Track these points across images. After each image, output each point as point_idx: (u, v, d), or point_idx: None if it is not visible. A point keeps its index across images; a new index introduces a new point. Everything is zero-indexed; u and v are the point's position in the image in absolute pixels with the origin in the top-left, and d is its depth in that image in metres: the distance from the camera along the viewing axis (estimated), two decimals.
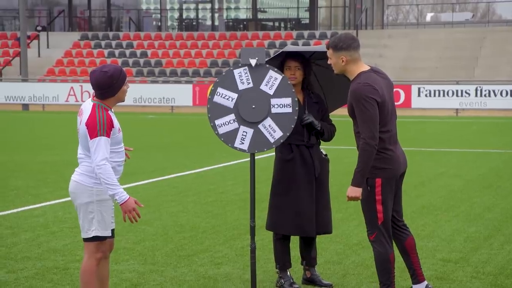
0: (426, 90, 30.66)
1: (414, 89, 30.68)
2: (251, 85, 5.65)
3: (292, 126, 5.64)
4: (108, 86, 5.01)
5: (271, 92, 5.64)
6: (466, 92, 30.37)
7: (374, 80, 5.24)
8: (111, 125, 4.98)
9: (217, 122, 5.66)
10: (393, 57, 37.32)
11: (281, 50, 6.06)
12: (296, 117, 5.65)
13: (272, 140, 5.64)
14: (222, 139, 5.67)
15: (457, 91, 30.50)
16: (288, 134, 5.64)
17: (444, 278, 6.44)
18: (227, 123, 5.65)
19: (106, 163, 4.92)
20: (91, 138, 4.95)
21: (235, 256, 7.20)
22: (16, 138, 20.22)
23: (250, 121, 5.63)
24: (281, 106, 5.63)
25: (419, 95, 30.56)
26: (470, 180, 12.30)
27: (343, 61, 5.31)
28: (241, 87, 5.66)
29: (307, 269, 6.30)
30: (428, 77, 34.35)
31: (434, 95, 30.64)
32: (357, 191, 5.24)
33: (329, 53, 5.38)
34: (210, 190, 11.20)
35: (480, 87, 30.33)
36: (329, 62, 5.41)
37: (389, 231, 5.40)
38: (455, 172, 13.17)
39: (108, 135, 4.96)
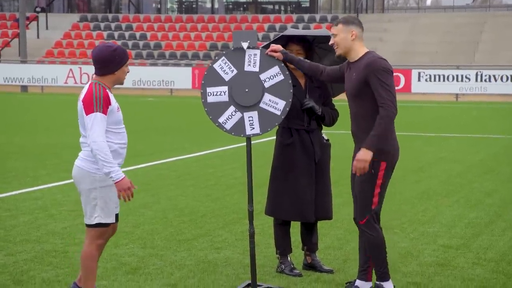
0: (426, 75, 30.59)
1: (414, 73, 30.60)
2: (235, 71, 5.57)
3: (291, 91, 5.53)
4: (109, 61, 4.93)
5: (256, 69, 5.55)
6: (466, 77, 30.30)
7: None
8: (107, 102, 4.89)
9: (221, 119, 5.59)
10: (393, 41, 37.20)
11: (281, 34, 5.98)
12: (290, 81, 5.55)
13: (278, 113, 5.55)
14: (233, 133, 5.59)
15: (457, 76, 30.43)
16: (290, 100, 5.54)
17: (445, 264, 6.40)
18: (230, 116, 5.58)
19: (103, 140, 4.84)
20: (86, 114, 4.86)
21: (235, 240, 7.16)
22: (14, 119, 20.15)
23: (250, 105, 5.56)
24: (271, 77, 5.55)
25: (419, 80, 30.49)
26: (469, 165, 12.26)
27: (352, 35, 5.24)
28: (227, 77, 5.59)
29: (308, 254, 6.26)
30: (428, 62, 34.25)
31: (434, 80, 30.57)
32: (369, 154, 5.09)
33: (338, 29, 5.27)
34: (209, 173, 11.15)
35: (480, 72, 30.26)
36: (332, 41, 5.31)
37: (379, 215, 5.34)
38: (454, 157, 13.14)
39: (104, 112, 4.87)
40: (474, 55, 35.84)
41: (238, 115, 5.57)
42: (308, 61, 5.66)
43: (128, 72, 5.07)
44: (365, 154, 5.10)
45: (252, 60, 5.55)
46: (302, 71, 5.74)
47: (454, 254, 6.72)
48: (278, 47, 5.57)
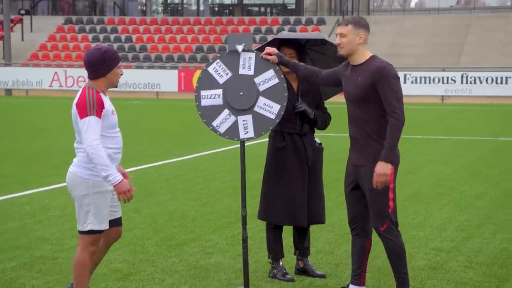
0: (412, 77, 30.68)
1: (400, 76, 30.64)
2: (230, 74, 5.53)
3: (286, 95, 5.50)
4: (100, 63, 4.88)
5: (251, 72, 5.52)
6: (452, 79, 30.42)
7: None
8: (101, 106, 4.84)
9: (215, 123, 5.54)
10: (379, 43, 37.28)
11: (274, 37, 5.95)
12: (285, 85, 5.52)
13: (273, 116, 5.51)
14: (227, 136, 5.55)
15: (443, 78, 30.54)
16: (285, 104, 5.51)
17: (437, 268, 6.39)
18: (224, 120, 5.54)
19: (98, 143, 4.79)
20: (81, 118, 4.81)
21: (226, 245, 7.12)
22: (0, 124, 19.99)
23: (244, 109, 5.52)
24: (266, 81, 5.51)
25: (405, 82, 30.55)
26: (458, 167, 12.28)
27: (360, 38, 5.17)
28: (221, 80, 5.55)
29: (300, 259, 6.23)
30: (414, 64, 34.35)
31: (420, 82, 30.66)
32: (388, 168, 5.05)
33: (347, 29, 5.17)
34: (198, 177, 11.10)
35: (465, 74, 30.38)
36: (339, 40, 5.18)
37: (397, 219, 5.29)
38: (443, 160, 13.15)
39: (98, 115, 4.82)
40: (460, 57, 35.99)
41: (232, 118, 5.53)
42: (303, 64, 5.62)
43: (121, 74, 5.02)
44: (385, 168, 5.07)
45: (247, 63, 5.51)
46: (297, 75, 5.70)
47: (446, 258, 6.71)
48: (273, 50, 5.53)
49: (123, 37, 40.03)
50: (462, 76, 30.35)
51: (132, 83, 32.64)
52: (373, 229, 5.36)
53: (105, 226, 4.98)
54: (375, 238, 5.53)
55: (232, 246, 7.04)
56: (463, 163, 12.76)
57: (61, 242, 7.12)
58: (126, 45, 39.25)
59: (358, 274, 5.49)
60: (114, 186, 4.82)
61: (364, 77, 5.13)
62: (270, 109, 5.50)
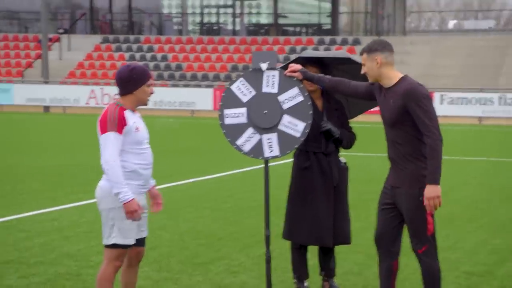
0: (449, 98, 30.35)
1: (436, 96, 30.37)
2: (253, 92, 5.46)
3: (311, 112, 5.41)
4: (127, 80, 4.89)
5: (274, 90, 5.44)
6: (489, 100, 30.01)
7: None
8: (123, 122, 4.83)
9: (239, 142, 5.48)
10: (416, 64, 37.00)
11: (297, 55, 5.87)
12: (310, 103, 5.43)
13: (298, 135, 5.43)
14: (252, 155, 5.48)
15: (480, 99, 30.15)
16: (310, 122, 5.42)
17: None
18: (249, 138, 5.47)
19: (115, 160, 4.78)
20: (101, 134, 4.84)
21: (251, 264, 7.02)
22: (35, 140, 20.21)
23: (268, 127, 5.45)
24: (290, 98, 5.43)
25: (441, 103, 30.24)
26: (494, 190, 12.03)
27: (377, 62, 5.08)
28: (244, 99, 5.48)
29: (325, 280, 6.11)
30: (451, 85, 34.00)
31: (457, 103, 30.31)
32: (437, 190, 4.96)
33: (363, 58, 5.13)
34: (228, 196, 11.03)
35: (504, 95, 29.96)
36: (363, 71, 5.15)
37: (436, 243, 5.17)
38: (478, 181, 12.91)
39: (119, 132, 4.81)
40: (498, 78, 35.54)
41: (257, 137, 5.45)
42: (329, 76, 5.51)
43: (151, 93, 4.99)
44: (435, 191, 4.97)
45: (271, 81, 5.44)
46: (323, 88, 5.59)
47: (478, 282, 6.53)
48: (297, 66, 5.45)
49: (159, 56, 40.34)
50: (500, 98, 29.95)
51: (167, 101, 32.82)
52: (412, 250, 5.22)
53: (129, 241, 4.94)
54: (404, 259, 5.39)
55: (258, 265, 6.94)
56: (499, 186, 12.50)
57: (87, 259, 7.09)
58: (162, 64, 39.53)
59: None
60: (123, 204, 4.80)
61: (395, 100, 5.04)
62: (295, 127, 5.42)
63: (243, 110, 5.47)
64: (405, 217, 5.13)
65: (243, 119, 5.47)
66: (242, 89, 5.48)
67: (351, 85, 5.39)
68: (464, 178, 13.39)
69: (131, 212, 4.80)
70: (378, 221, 5.33)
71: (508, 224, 9.13)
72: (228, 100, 5.50)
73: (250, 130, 5.46)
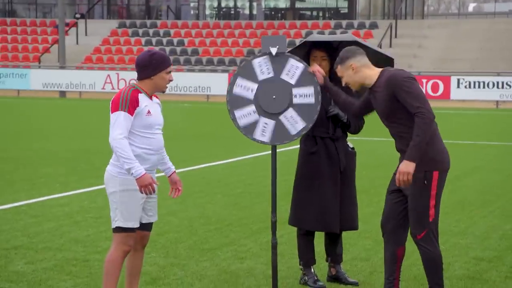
0: (466, 82, 30.06)
1: (453, 80, 30.10)
2: (271, 74, 5.41)
3: (315, 118, 5.38)
4: (146, 65, 4.88)
5: (292, 81, 5.40)
6: (507, 83, 29.71)
7: None
8: (135, 104, 4.82)
9: (237, 114, 5.45)
10: (433, 47, 36.70)
11: (304, 39, 5.81)
12: (319, 108, 5.40)
13: (293, 132, 5.39)
14: (243, 132, 5.45)
15: (497, 82, 29.85)
16: (310, 125, 5.40)
17: (476, 277, 6.15)
18: (247, 114, 5.43)
19: (123, 138, 4.78)
20: (112, 112, 4.84)
21: (259, 250, 7.00)
22: (51, 125, 20.29)
23: (270, 112, 5.40)
24: (303, 96, 5.39)
25: (458, 87, 29.97)
26: (508, 174, 11.92)
27: (353, 68, 5.12)
28: (261, 77, 5.43)
29: (332, 266, 6.07)
30: (468, 69, 33.68)
31: (474, 87, 30.03)
32: (410, 166, 4.88)
33: (339, 71, 5.19)
34: (239, 181, 11.01)
35: None
36: (344, 83, 5.19)
37: (437, 229, 5.11)
38: (493, 166, 12.80)
39: (130, 112, 4.81)
40: None
41: (255, 116, 5.42)
42: (345, 94, 5.43)
43: (171, 80, 4.98)
44: (407, 166, 4.90)
45: (292, 72, 5.39)
46: (337, 103, 5.53)
47: (486, 267, 6.47)
48: (323, 71, 5.42)
49: (175, 40, 40.29)
50: None
51: (183, 86, 32.81)
52: (411, 237, 5.18)
53: (132, 224, 4.93)
54: (411, 246, 5.35)
55: (266, 251, 6.92)
56: None
57: (95, 244, 7.10)
58: (178, 49, 39.49)
59: (391, 282, 5.31)
60: (136, 179, 4.79)
61: (380, 93, 5.04)
62: (295, 124, 5.38)
63: (255, 85, 5.43)
64: (408, 200, 5.09)
65: (250, 94, 5.42)
66: (262, 66, 5.42)
67: (356, 105, 5.38)
68: (478, 163, 13.27)
69: (145, 186, 4.80)
70: (385, 206, 5.30)
71: None
72: (245, 71, 5.45)
73: (251, 107, 5.42)
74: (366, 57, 5.18)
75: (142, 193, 4.86)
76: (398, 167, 5.13)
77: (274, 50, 5.42)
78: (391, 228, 5.22)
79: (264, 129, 5.40)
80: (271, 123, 5.40)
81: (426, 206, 5.02)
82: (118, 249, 4.96)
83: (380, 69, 5.14)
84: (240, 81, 5.45)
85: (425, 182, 4.98)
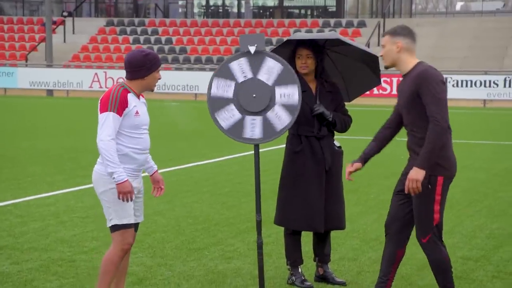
0: (454, 80, 30.15)
1: None
2: (250, 75, 5.37)
3: (296, 115, 5.32)
4: (140, 65, 4.86)
5: (270, 82, 5.34)
6: (494, 82, 29.82)
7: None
8: (124, 104, 4.80)
9: (218, 115, 5.40)
10: (421, 46, 36.71)
11: (287, 38, 5.78)
12: (299, 104, 5.34)
13: (278, 128, 5.34)
14: (228, 134, 5.40)
15: (485, 81, 29.95)
16: (293, 121, 5.35)
17: (463, 277, 6.15)
18: (230, 115, 5.38)
19: (110, 140, 4.76)
20: (100, 113, 4.81)
21: (247, 250, 6.98)
22: (39, 123, 20.18)
23: (251, 111, 5.36)
24: (283, 95, 5.34)
25: None
26: (495, 174, 11.95)
27: (398, 47, 5.01)
28: (239, 78, 5.39)
29: (320, 265, 6.05)
30: (456, 67, 33.79)
31: (462, 86, 30.12)
32: (420, 174, 4.85)
33: (384, 40, 5.08)
34: (227, 180, 10.98)
35: (509, 77, 29.75)
36: (381, 53, 5.09)
37: (441, 232, 5.09)
38: (480, 165, 12.82)
39: (119, 113, 4.79)
40: (503, 60, 35.30)
41: (238, 115, 5.38)
42: (375, 143, 5.33)
43: (159, 78, 4.97)
44: (417, 174, 4.87)
45: (270, 71, 5.33)
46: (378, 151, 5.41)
47: (473, 267, 6.47)
48: (357, 165, 5.25)
49: (163, 39, 40.20)
50: (505, 80, 29.73)
51: (171, 85, 32.73)
52: (417, 239, 5.15)
53: (127, 220, 4.91)
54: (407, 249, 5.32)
55: (253, 251, 6.89)
56: (500, 169, 12.42)
57: (81, 244, 7.05)
58: (166, 47, 39.40)
59: (383, 282, 5.28)
60: (116, 184, 4.78)
61: (408, 85, 4.97)
62: (280, 119, 5.34)
63: (232, 84, 5.38)
64: (413, 204, 5.06)
65: (229, 94, 5.38)
66: (242, 66, 5.37)
67: (393, 130, 5.26)
68: (466, 162, 13.29)
69: (124, 193, 4.78)
70: (390, 207, 5.26)
71: (507, 209, 9.06)
72: (222, 72, 5.41)
73: (231, 106, 5.38)
74: (415, 44, 5.07)
75: (119, 198, 4.83)
76: (405, 167, 5.10)
77: (252, 49, 5.38)
78: (396, 230, 5.19)
79: (253, 126, 5.36)
80: (258, 119, 5.37)
81: (430, 210, 4.99)
82: (117, 248, 4.94)
83: (417, 60, 5.06)
84: (217, 82, 5.41)
85: (429, 186, 4.95)
